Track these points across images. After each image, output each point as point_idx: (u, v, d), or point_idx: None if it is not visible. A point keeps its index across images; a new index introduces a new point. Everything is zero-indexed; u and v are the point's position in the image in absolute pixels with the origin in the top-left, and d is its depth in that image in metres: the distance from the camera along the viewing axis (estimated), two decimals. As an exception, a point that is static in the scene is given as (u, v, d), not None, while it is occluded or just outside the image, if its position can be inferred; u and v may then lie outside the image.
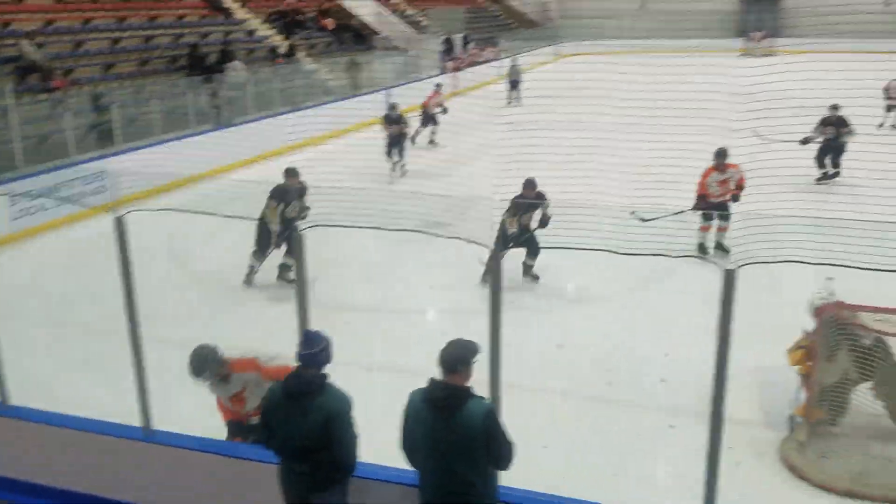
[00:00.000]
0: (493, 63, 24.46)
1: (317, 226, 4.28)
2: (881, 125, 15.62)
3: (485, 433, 3.22)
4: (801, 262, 3.48)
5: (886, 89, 15.97)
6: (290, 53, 20.03)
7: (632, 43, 18.48)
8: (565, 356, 6.49)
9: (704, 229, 8.67)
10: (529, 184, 7.68)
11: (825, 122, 11.57)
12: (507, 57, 24.60)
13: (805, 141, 11.35)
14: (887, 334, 4.88)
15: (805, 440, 5.06)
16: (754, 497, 4.72)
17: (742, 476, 4.84)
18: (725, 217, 8.43)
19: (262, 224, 7.85)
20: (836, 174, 11.78)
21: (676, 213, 8.04)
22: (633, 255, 3.87)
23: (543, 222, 7.66)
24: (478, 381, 3.72)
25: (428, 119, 15.81)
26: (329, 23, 23.63)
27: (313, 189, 4.34)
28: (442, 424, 3.26)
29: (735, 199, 8.41)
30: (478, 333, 4.04)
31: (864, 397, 5.08)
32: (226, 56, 17.42)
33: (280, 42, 20.75)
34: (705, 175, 8.54)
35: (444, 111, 15.73)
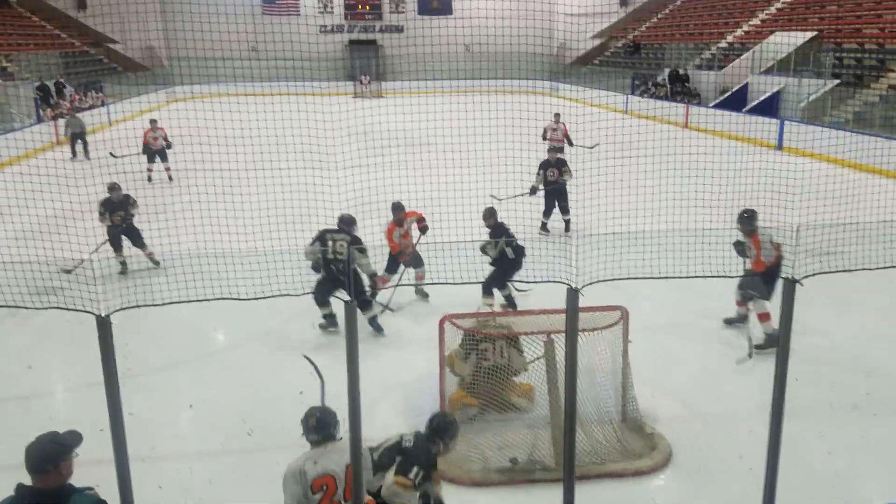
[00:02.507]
0: (97, 110, 22.67)
1: None
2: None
3: None
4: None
5: (545, 130, 14.86)
6: None
7: (249, 86, 18.77)
8: (200, 416, 6.13)
9: (384, 281, 8.25)
10: None
11: (546, 166, 11.04)
12: (114, 102, 22.85)
13: (533, 191, 11.05)
14: (492, 336, 5.63)
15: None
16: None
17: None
18: (419, 265, 8.34)
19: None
20: (568, 221, 11.17)
21: (396, 286, 8.11)
22: (257, 299, 3.84)
23: None
24: (100, 462, 3.35)
25: (156, 154, 15.04)
26: None
27: None
28: None
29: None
30: (103, 408, 3.64)
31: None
32: None
33: None
34: (390, 233, 8.17)
35: (169, 144, 14.87)
